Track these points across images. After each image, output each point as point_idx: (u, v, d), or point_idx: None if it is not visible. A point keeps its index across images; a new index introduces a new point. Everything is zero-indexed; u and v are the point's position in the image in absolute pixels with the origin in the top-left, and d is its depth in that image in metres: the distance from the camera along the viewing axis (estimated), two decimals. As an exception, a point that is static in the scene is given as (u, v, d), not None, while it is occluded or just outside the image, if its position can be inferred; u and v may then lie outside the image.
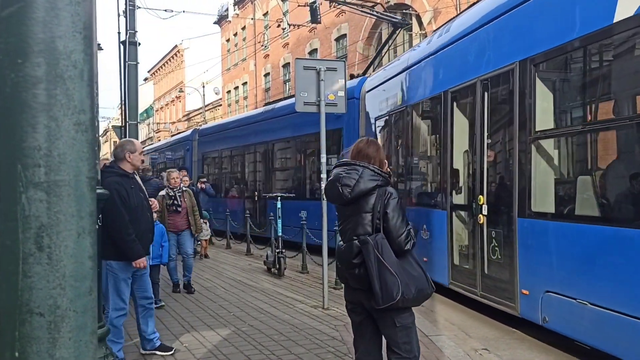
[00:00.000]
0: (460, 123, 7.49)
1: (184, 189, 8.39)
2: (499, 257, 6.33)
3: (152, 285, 7.14)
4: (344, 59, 15.92)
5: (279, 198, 10.44)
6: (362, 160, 3.65)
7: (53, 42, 1.06)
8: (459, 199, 7.47)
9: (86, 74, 1.09)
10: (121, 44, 14.26)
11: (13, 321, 1.03)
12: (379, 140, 10.57)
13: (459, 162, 7.53)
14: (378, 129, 10.80)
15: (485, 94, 6.66)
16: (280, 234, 9.96)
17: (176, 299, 7.64)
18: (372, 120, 11.04)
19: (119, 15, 14.62)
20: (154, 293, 7.11)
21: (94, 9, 1.14)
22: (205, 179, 15.64)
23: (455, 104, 7.56)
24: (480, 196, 6.63)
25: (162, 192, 8.22)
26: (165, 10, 18.80)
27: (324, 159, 7.29)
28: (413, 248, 3.52)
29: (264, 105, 18.92)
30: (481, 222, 6.58)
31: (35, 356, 1.03)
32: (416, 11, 20.41)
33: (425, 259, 8.04)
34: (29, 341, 1.04)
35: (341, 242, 3.69)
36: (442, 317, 6.81)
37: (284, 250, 9.69)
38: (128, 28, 13.86)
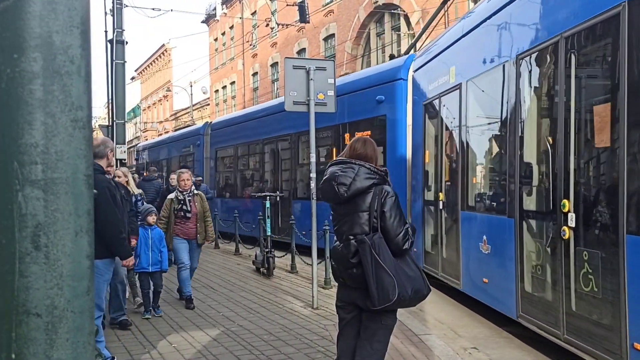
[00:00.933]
0: (534, 100, 5.73)
1: (195, 192, 7.58)
2: (595, 289, 4.46)
3: (155, 293, 6.76)
4: (332, 59, 15.89)
5: (267, 198, 10.41)
6: (357, 158, 3.65)
7: (50, 37, 1.04)
8: (532, 202, 5.65)
9: (83, 70, 1.07)
10: (108, 43, 14.18)
11: (9, 322, 1.01)
12: (429, 129, 8.93)
13: (531, 153, 5.70)
14: (428, 114, 8.93)
15: (572, 56, 4.80)
16: (269, 233, 9.93)
17: (164, 299, 7.59)
18: (421, 105, 9.13)
19: (105, 13, 14.55)
20: (154, 301, 6.75)
21: (90, 3, 1.12)
22: (201, 178, 14.79)
23: (527, 74, 5.72)
24: (565, 200, 4.77)
25: (171, 195, 7.50)
26: (153, 9, 18.66)
27: (313, 159, 7.28)
28: (411, 247, 3.51)
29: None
30: (566, 236, 4.75)
31: (32, 358, 1.01)
32: (404, 11, 20.48)
33: (485, 280, 6.46)
34: (26, 342, 1.02)
35: (337, 242, 3.68)
36: (431, 316, 6.83)
37: (272, 250, 9.66)
38: (115, 26, 13.80)
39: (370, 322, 3.57)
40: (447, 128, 8.19)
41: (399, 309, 5.59)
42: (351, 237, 3.50)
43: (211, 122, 19.76)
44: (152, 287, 6.78)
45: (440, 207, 8.15)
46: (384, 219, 3.44)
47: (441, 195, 8.12)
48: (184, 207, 7.25)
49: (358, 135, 10.81)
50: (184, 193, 7.34)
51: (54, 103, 1.04)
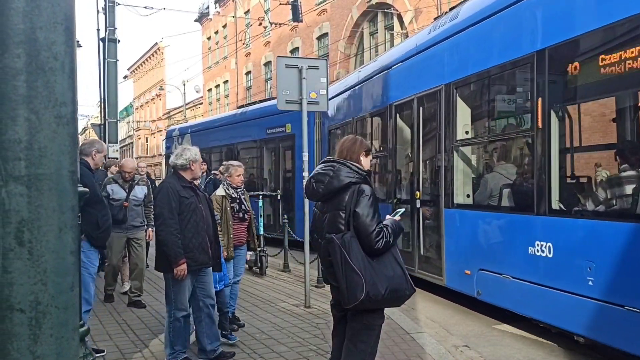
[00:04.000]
0: None
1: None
2: None
3: (222, 314, 5.53)
4: (325, 58, 15.81)
5: (260, 197, 10.40)
6: (342, 157, 3.66)
7: (34, 33, 1.04)
8: None
9: (67, 66, 1.07)
10: (100, 41, 14.13)
11: (-7, 317, 1.01)
12: None
13: None
14: None
15: None
16: (261, 232, 9.92)
17: (156, 298, 7.57)
18: None
19: (98, 12, 14.49)
20: (223, 325, 5.50)
21: (74, 0, 1.12)
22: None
23: None
24: None
25: (220, 192, 5.94)
26: (145, 7, 18.54)
27: (305, 157, 7.28)
28: (386, 247, 3.43)
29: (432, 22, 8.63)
30: None
31: (16, 353, 1.01)
32: (397, 10, 20.51)
33: None
34: (9, 338, 1.02)
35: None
36: (423, 314, 6.85)
37: (265, 249, 9.65)
38: (107, 25, 13.74)
39: (353, 322, 3.57)
40: None
41: (390, 308, 5.65)
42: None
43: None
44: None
45: None
46: (356, 218, 3.41)
47: None
48: (243, 205, 5.98)
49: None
50: (238, 190, 6.02)
51: (37, 99, 1.04)
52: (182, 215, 4.64)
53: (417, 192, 8.08)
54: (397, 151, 8.98)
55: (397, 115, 8.87)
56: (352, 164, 3.58)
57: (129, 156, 57.41)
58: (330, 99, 10.99)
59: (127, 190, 7.15)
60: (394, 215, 3.70)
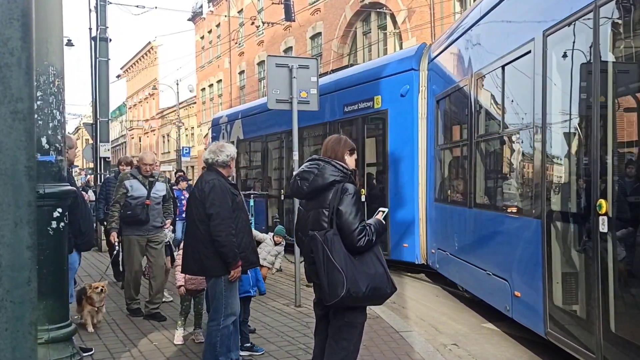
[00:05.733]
0: None
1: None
2: None
3: (242, 324, 5.10)
4: (318, 57, 15.76)
5: (251, 197, 10.37)
6: (327, 156, 3.69)
7: (-12, 29, 1.05)
8: None
9: (24, 62, 1.07)
10: (92, 40, 14.08)
11: (-54, 312, 1.01)
12: None
13: None
14: None
15: None
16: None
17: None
18: None
19: (89, 10, 14.44)
20: (245, 336, 5.20)
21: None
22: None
23: None
24: None
25: None
26: (137, 6, 18.38)
27: (296, 156, 7.27)
28: (368, 245, 3.46)
29: None
30: None
31: (-31, 347, 1.01)
32: (390, 10, 20.54)
33: None
34: (-37, 332, 1.02)
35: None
36: (413, 313, 6.87)
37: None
38: (99, 24, 13.70)
39: (335, 320, 3.60)
40: None
41: (380, 307, 5.66)
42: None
43: (430, 46, 9.48)
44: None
45: None
46: (339, 216, 3.45)
47: None
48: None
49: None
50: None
51: (-8, 94, 1.04)
52: (234, 214, 4.39)
53: (602, 200, 3.92)
54: (553, 123, 4.81)
55: (553, 53, 4.76)
56: (337, 163, 3.63)
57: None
58: (436, 57, 8.61)
59: (147, 187, 6.47)
60: (377, 215, 3.74)
